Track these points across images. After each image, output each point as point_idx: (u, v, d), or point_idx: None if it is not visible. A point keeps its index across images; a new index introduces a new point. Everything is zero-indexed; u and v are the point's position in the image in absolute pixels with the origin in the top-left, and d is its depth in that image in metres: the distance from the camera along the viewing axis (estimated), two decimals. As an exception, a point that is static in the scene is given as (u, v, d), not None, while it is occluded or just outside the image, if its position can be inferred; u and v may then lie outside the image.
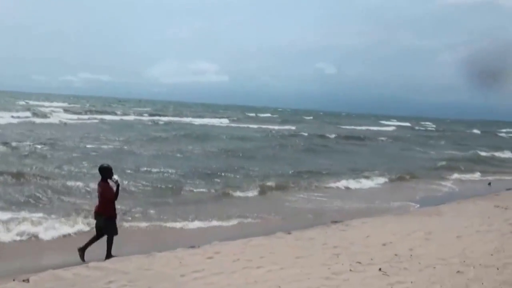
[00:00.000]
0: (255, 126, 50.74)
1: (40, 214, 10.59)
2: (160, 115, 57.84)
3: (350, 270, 7.11)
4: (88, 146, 22.74)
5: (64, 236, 9.48)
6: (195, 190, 14.53)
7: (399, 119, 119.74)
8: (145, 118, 52.57)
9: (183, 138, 30.91)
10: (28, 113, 41.28)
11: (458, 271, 7.09)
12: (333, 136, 41.24)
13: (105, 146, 23.11)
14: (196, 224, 10.90)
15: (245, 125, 51.30)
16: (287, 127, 52.30)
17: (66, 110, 51.78)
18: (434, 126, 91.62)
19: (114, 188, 8.23)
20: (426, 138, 51.84)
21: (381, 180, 18.55)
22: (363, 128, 62.68)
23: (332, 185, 16.78)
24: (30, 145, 21.10)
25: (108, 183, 8.20)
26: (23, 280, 6.62)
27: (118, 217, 8.68)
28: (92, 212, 8.66)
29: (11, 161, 16.94)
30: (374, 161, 24.88)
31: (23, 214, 10.49)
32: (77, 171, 15.93)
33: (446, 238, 9.26)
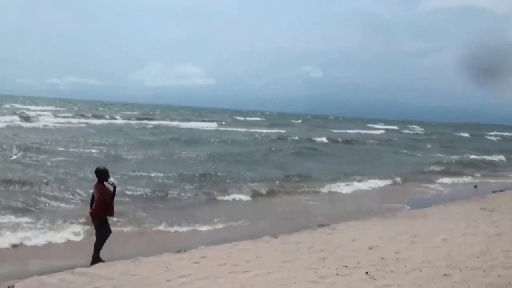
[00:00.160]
0: (243, 129, 50.59)
1: (27, 219, 10.49)
2: (148, 119, 57.51)
3: (337, 273, 7.10)
4: (77, 150, 22.44)
5: (50, 242, 9.33)
6: (182, 194, 14.45)
7: (386, 122, 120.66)
8: (134, 122, 52.33)
9: (172, 142, 30.76)
10: (15, 117, 40.61)
11: (444, 274, 7.11)
12: (323, 140, 41.14)
13: (94, 151, 22.81)
14: (183, 228, 10.83)
15: (234, 129, 51.07)
16: (276, 130, 52.10)
17: (54, 114, 51.18)
18: (422, 129, 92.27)
19: (111, 190, 8.26)
20: (416, 141, 52.09)
21: (372, 183, 18.57)
22: (353, 131, 62.78)
23: (322, 189, 16.76)
24: (18, 150, 20.71)
25: (104, 185, 8.24)
26: (8, 287, 6.57)
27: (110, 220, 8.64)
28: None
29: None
30: (365, 165, 24.91)
31: (8, 219, 10.37)
32: (65, 176, 15.66)
33: (432, 241, 9.30)
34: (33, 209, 11.67)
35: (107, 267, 7.56)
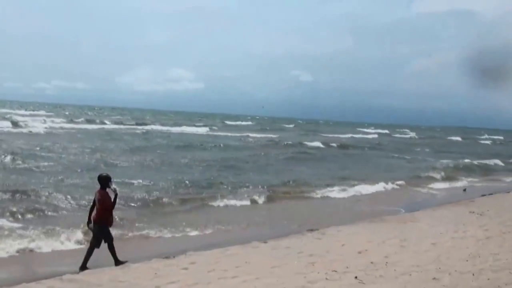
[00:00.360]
0: (236, 134, 50.11)
1: (16, 225, 10.43)
2: (139, 124, 56.86)
3: (326, 278, 7.08)
4: (71, 156, 22.10)
5: (40, 249, 9.23)
6: (173, 200, 14.29)
7: (376, 126, 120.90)
8: (124, 126, 51.59)
9: (164, 147, 30.38)
10: (6, 123, 39.97)
11: (433, 278, 7.12)
12: (318, 144, 40.86)
13: (87, 157, 22.49)
14: (173, 234, 10.78)
15: (225, 134, 50.61)
16: (269, 135, 51.56)
17: (45, 120, 50.52)
18: (413, 133, 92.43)
19: (112, 197, 8.26)
20: (409, 145, 52.17)
21: (369, 188, 18.57)
22: (346, 136, 62.77)
23: (317, 194, 16.80)
24: (12, 156, 20.23)
25: (106, 192, 8.24)
26: (-4, 295, 6.50)
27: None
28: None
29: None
30: (361, 170, 24.87)
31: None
32: (57, 183, 15.43)
33: (421, 245, 9.32)
34: (25, 216, 11.51)
35: (95, 274, 7.51)
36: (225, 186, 16.92)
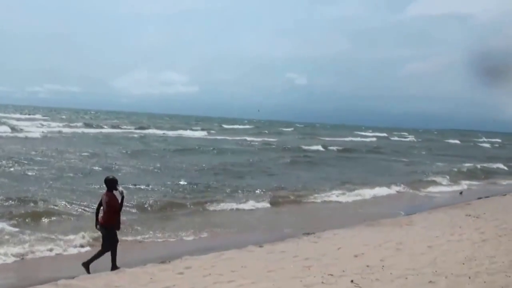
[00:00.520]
0: (235, 138, 49.86)
1: (15, 230, 10.41)
2: (140, 128, 56.52)
3: (322, 282, 7.05)
4: (71, 161, 21.97)
5: (36, 254, 9.15)
6: (170, 205, 14.15)
7: (374, 129, 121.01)
8: (122, 130, 51.43)
9: (163, 151, 30.18)
10: (5, 127, 39.65)
11: (430, 281, 7.10)
12: (319, 148, 40.71)
13: (87, 161, 22.36)
14: (169, 238, 10.74)
15: (224, 137, 50.03)
16: (268, 139, 51.37)
17: (42, 124, 50.31)
18: (411, 136, 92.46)
19: (119, 199, 8.31)
20: (410, 148, 52.17)
21: (373, 192, 18.58)
22: (346, 139, 62.66)
23: (319, 198, 16.74)
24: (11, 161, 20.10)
25: (113, 194, 8.31)
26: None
27: None
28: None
29: None
30: (363, 173, 24.82)
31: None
32: (60, 188, 15.29)
33: (417, 248, 9.31)
34: (24, 220, 11.41)
35: (90, 279, 7.47)
36: (224, 191, 16.82)
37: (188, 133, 54.55)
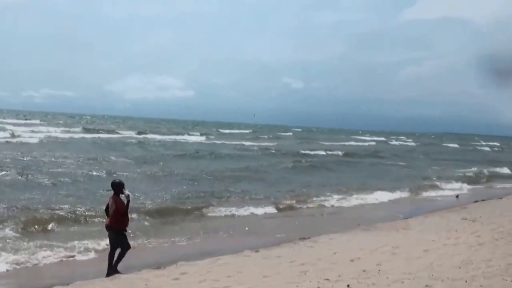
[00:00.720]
0: (234, 142, 49.49)
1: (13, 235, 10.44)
2: (140, 133, 56.14)
3: (318, 287, 7.02)
4: (73, 167, 21.81)
5: (33, 261, 9.13)
6: (167, 211, 14.00)
7: (371, 134, 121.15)
8: (122, 135, 50.82)
9: (163, 156, 29.91)
10: (4, 133, 39.18)
11: (426, 285, 7.07)
12: (322, 153, 40.47)
13: (88, 167, 22.12)
14: (164, 243, 10.72)
15: (223, 142, 49.57)
16: (268, 144, 50.98)
17: (41, 129, 49.81)
18: (410, 140, 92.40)
19: (125, 202, 8.42)
20: (411, 152, 52.08)
21: (379, 196, 18.68)
22: (346, 143, 62.69)
23: (314, 203, 16.71)
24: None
25: (119, 198, 8.41)
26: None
27: None
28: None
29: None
30: (368, 178, 24.85)
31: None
32: (62, 194, 15.22)
33: (413, 252, 9.28)
34: (25, 227, 11.34)
35: (85, 285, 7.49)
36: (223, 196, 16.77)
37: (187, 138, 54.14)
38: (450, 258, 8.74)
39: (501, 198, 18.96)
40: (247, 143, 48.99)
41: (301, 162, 31.36)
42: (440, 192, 21.32)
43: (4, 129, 43.08)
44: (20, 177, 17.79)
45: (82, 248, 9.88)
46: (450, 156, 50.34)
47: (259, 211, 14.93)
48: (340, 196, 17.95)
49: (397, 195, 19.53)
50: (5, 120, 65.17)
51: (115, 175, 19.32)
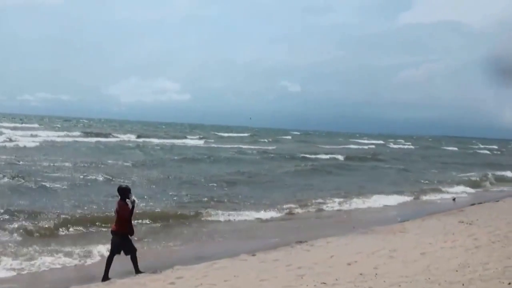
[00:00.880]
0: (234, 146, 49.22)
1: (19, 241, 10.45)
2: (139, 137, 55.85)
3: (315, 291, 7.00)
4: (75, 171, 21.51)
5: (31, 267, 9.08)
6: (164, 215, 13.95)
7: (369, 137, 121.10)
8: (122, 139, 50.32)
9: (164, 160, 29.86)
10: (3, 137, 38.72)
11: (423, 289, 7.06)
12: (322, 156, 40.20)
13: (90, 171, 21.84)
14: (160, 247, 10.68)
15: (223, 146, 49.02)
16: (267, 147, 50.53)
17: (41, 132, 49.60)
18: (409, 143, 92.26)
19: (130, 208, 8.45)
20: (412, 156, 51.84)
21: (386, 200, 18.71)
22: (345, 147, 62.57)
23: (315, 207, 16.68)
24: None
25: (125, 203, 8.42)
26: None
27: None
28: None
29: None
30: (373, 182, 24.84)
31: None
32: (64, 200, 15.07)
33: (410, 255, 9.26)
34: (29, 233, 11.31)
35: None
36: (221, 200, 16.71)
37: (186, 141, 53.79)
38: (447, 261, 8.73)
39: (497, 201, 18.96)
40: (246, 147, 48.74)
41: (302, 166, 31.21)
42: (445, 196, 21.29)
43: (1, 133, 42.82)
44: (20, 182, 17.67)
45: (81, 253, 9.83)
46: (452, 159, 50.27)
47: (257, 215, 14.88)
48: (340, 200, 17.94)
49: (401, 199, 19.48)
50: (1, 124, 64.94)
51: (117, 180, 19.37)
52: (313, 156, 39.97)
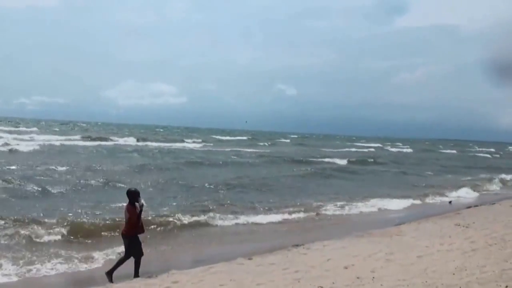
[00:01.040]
0: (233, 149, 49.11)
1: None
2: (140, 140, 55.55)
3: (312, 295, 6.97)
4: (77, 176, 21.27)
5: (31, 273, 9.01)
6: (161, 220, 13.87)
7: (367, 140, 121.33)
8: (121, 142, 50.25)
9: (165, 164, 29.63)
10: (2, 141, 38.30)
11: (420, 292, 7.04)
12: (325, 160, 40.04)
13: (91, 175, 21.87)
14: (156, 252, 10.62)
15: (222, 149, 48.59)
16: (267, 151, 50.67)
17: (40, 136, 49.19)
18: (407, 146, 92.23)
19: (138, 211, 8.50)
20: (412, 159, 51.77)
21: (393, 204, 18.78)
22: (345, 150, 62.49)
23: (309, 212, 16.41)
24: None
25: (134, 206, 8.46)
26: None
27: None
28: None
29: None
30: (377, 186, 24.80)
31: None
32: (66, 205, 14.93)
33: (407, 258, 9.24)
34: (30, 238, 11.13)
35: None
36: (220, 204, 16.56)
37: (186, 145, 53.48)
38: (444, 264, 8.72)
39: (494, 203, 18.96)
40: (247, 150, 48.55)
41: (303, 170, 30.90)
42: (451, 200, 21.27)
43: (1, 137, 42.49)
44: (21, 187, 17.57)
45: (81, 259, 9.77)
46: (453, 162, 50.36)
47: (254, 219, 14.79)
48: (341, 203, 17.90)
49: (403, 203, 19.37)
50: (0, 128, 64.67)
51: (118, 184, 19.35)
52: (314, 160, 39.92)
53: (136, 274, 8.45)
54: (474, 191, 24.51)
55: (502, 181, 30.12)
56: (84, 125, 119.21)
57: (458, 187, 24.94)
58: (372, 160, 44.12)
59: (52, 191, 17.25)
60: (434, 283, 7.46)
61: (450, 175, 34.09)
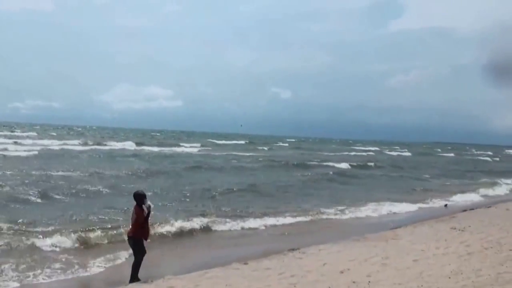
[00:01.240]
0: (234, 153, 48.91)
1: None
2: (138, 144, 55.38)
3: (307, 300, 6.96)
4: (78, 180, 21.30)
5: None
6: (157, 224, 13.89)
7: (364, 143, 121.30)
8: (119, 147, 49.70)
9: (165, 168, 29.58)
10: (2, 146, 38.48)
11: (415, 296, 7.04)
12: (328, 164, 39.64)
13: (96, 182, 21.48)
14: (151, 257, 10.54)
15: (221, 153, 48.33)
16: (267, 154, 50.45)
17: (39, 141, 49.06)
18: (405, 149, 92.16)
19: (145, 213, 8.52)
20: (413, 163, 51.57)
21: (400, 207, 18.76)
22: (345, 154, 62.44)
23: (308, 216, 16.33)
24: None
25: (141, 208, 8.49)
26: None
27: None
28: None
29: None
30: (382, 190, 24.84)
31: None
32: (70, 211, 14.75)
33: (403, 262, 9.24)
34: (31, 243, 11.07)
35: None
36: (217, 210, 16.40)
37: (184, 149, 53.28)
38: (440, 268, 8.73)
39: (489, 207, 18.99)
40: (246, 154, 48.32)
41: (305, 175, 30.63)
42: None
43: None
44: (24, 192, 17.36)
45: (81, 264, 9.73)
46: (452, 166, 50.35)
47: (250, 224, 14.71)
48: (342, 207, 17.89)
49: (408, 207, 19.34)
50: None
51: (119, 190, 19.26)
52: (311, 163, 39.81)
53: (132, 278, 8.37)
54: (483, 196, 24.45)
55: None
56: (79, 129, 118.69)
57: (464, 191, 25.02)
58: (372, 164, 44.00)
59: (54, 196, 17.17)
60: (429, 287, 7.47)
61: (455, 179, 33.97)
